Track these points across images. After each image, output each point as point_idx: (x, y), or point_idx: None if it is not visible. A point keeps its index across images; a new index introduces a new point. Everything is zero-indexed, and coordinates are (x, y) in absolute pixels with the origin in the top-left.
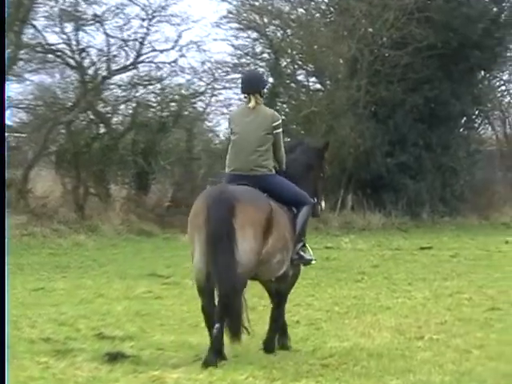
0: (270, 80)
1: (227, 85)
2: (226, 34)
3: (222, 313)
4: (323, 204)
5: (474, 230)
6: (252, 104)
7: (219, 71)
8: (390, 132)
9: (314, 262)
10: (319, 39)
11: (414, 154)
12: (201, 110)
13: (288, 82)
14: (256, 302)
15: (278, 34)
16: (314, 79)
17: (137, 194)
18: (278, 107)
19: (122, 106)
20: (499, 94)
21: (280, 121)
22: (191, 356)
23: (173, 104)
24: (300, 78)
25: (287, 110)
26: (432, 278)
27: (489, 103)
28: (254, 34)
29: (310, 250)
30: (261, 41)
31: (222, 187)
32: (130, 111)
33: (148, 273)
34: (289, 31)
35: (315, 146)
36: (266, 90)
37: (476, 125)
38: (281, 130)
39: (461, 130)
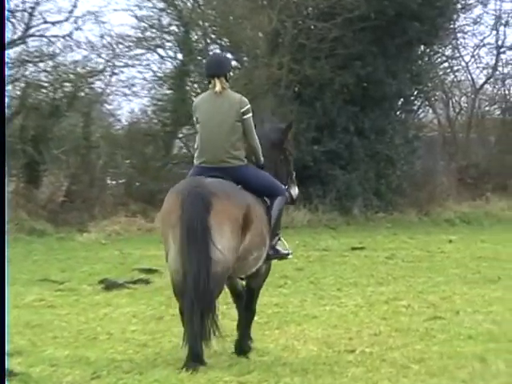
0: (179, 56)
1: (130, 62)
2: (128, 3)
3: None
4: (296, 190)
5: (412, 228)
6: (218, 88)
7: (120, 46)
8: (316, 116)
9: (290, 256)
10: (235, 10)
11: (345, 141)
12: (100, 90)
13: (200, 58)
14: (163, 310)
15: (188, 4)
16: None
17: (26, 187)
18: (187, 87)
19: (9, 87)
20: (441, 72)
21: (249, 106)
22: (88, 373)
23: (67, 84)
24: None
25: (199, 90)
26: (365, 283)
27: (429, 82)
28: (161, 4)
29: (286, 243)
30: (168, 11)
31: (195, 181)
32: (18, 92)
33: (40, 278)
34: (200, 0)
35: (275, 126)
36: (231, 74)
37: (415, 107)
38: (250, 115)
39: (398, 113)
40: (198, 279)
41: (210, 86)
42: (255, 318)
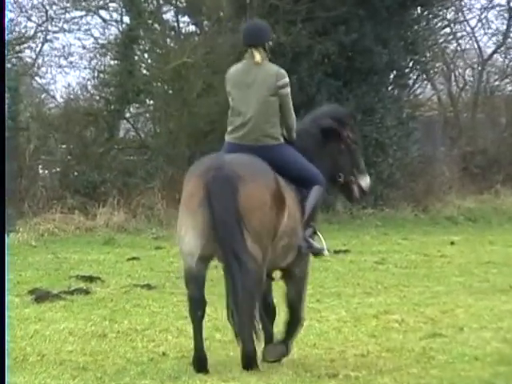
0: (126, 20)
1: (66, 26)
2: None
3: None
4: (367, 179)
5: (407, 227)
6: (258, 58)
7: (55, 8)
8: (291, 91)
9: (326, 252)
10: None
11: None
12: (29, 61)
13: (150, 22)
14: (106, 326)
15: None
16: (186, 19)
17: None
18: (136, 57)
19: None
20: (442, 40)
21: (286, 79)
22: None
23: None
24: (167, 16)
25: (149, 60)
26: (350, 293)
27: (427, 52)
28: None
29: (322, 238)
30: None
31: (218, 159)
32: None
33: None
34: None
35: (331, 113)
36: (270, 44)
37: (410, 82)
38: (288, 89)
39: (389, 88)
40: (237, 278)
41: (245, 55)
42: (217, 336)
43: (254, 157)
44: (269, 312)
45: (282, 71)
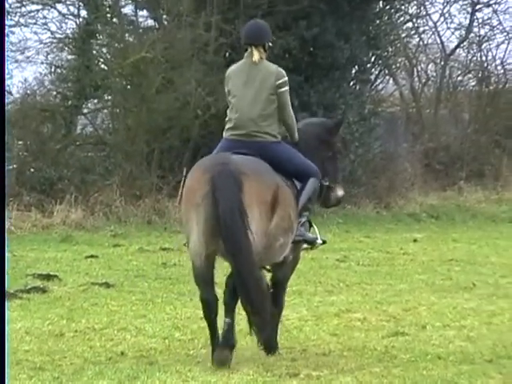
0: (84, 14)
1: (22, 20)
2: None
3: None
4: (341, 191)
5: (369, 224)
6: (256, 57)
7: (10, 1)
8: None
9: (319, 242)
10: None
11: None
12: None
13: (109, 16)
14: (64, 325)
15: None
16: (144, 13)
17: None
18: (94, 51)
19: None
20: (404, 34)
21: (286, 78)
22: None
23: None
24: (126, 10)
25: (108, 55)
26: (311, 291)
27: (390, 47)
28: None
29: (317, 228)
30: None
31: (223, 157)
32: None
33: None
34: None
35: (322, 121)
36: (270, 44)
37: (372, 77)
38: (287, 88)
39: (351, 84)
40: (240, 266)
41: (245, 54)
42: (176, 335)
43: (255, 158)
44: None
45: (281, 70)
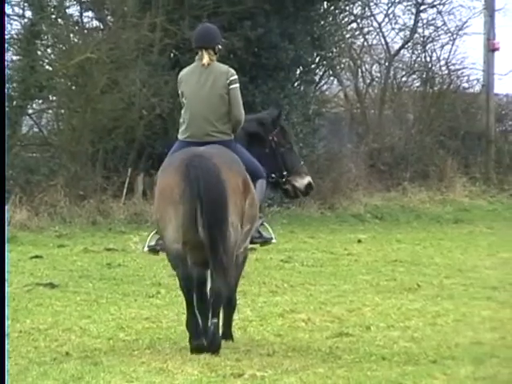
0: (28, 14)
1: None
2: None
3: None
4: (300, 182)
5: (313, 225)
6: (206, 60)
7: None
8: None
9: (274, 241)
10: None
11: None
12: None
13: (54, 17)
14: (8, 325)
15: None
16: (90, 14)
17: None
18: (39, 52)
19: None
20: (348, 35)
21: (235, 76)
22: None
23: None
24: (71, 11)
25: (53, 56)
26: (255, 292)
27: (334, 47)
28: None
29: (269, 228)
30: None
31: (191, 152)
32: None
33: None
34: None
35: (258, 118)
36: (220, 47)
37: (317, 78)
38: (237, 85)
39: (295, 84)
40: (218, 256)
41: (196, 57)
42: (121, 336)
43: (224, 148)
44: (204, 300)
45: (232, 70)
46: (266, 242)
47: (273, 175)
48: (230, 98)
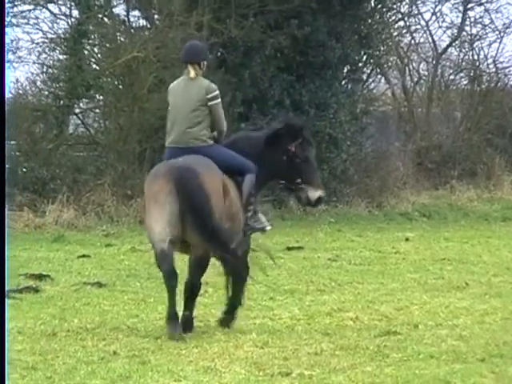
0: (75, 14)
1: (14, 21)
2: None
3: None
4: (313, 195)
5: (361, 223)
6: (192, 74)
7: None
8: (243, 86)
9: (268, 228)
10: None
11: (278, 118)
12: None
13: (100, 16)
14: (56, 325)
15: None
16: (136, 12)
17: None
18: (85, 51)
19: None
20: (396, 33)
21: (216, 92)
22: None
23: None
24: (117, 10)
25: (99, 55)
26: (303, 291)
27: (381, 46)
28: None
29: (263, 216)
30: None
31: (173, 161)
32: None
33: None
34: None
35: (286, 127)
36: (205, 63)
37: (364, 76)
38: (218, 101)
39: (343, 83)
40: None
41: (184, 71)
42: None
43: (198, 155)
44: (194, 290)
45: (213, 85)
46: (259, 231)
47: (282, 181)
48: (211, 113)
